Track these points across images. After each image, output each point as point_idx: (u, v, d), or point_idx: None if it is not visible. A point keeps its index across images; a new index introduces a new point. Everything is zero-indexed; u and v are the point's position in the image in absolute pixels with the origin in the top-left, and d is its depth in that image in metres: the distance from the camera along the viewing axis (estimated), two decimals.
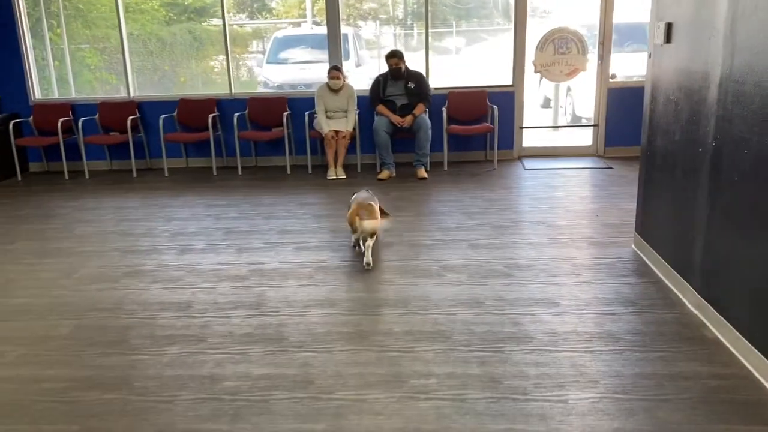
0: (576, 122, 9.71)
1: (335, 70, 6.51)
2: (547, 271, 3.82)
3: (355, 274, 3.90)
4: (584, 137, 7.39)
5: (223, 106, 7.06)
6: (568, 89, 9.55)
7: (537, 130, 7.79)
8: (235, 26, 15.91)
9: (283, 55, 10.93)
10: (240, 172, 6.85)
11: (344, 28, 11.49)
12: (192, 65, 14.75)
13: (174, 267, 4.13)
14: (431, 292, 3.58)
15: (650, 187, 3.92)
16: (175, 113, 7.04)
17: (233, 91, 7.11)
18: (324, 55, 7.12)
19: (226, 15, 6.98)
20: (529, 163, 6.76)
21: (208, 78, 14.52)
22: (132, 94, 7.22)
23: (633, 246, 4.16)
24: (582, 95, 9.11)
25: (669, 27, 3.55)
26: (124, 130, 6.86)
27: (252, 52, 11.41)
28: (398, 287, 3.66)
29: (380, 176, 6.33)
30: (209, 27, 14.26)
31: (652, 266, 3.81)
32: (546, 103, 11.19)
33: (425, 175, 6.32)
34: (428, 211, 5.20)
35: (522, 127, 7.05)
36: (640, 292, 3.48)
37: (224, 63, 14.56)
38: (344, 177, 6.43)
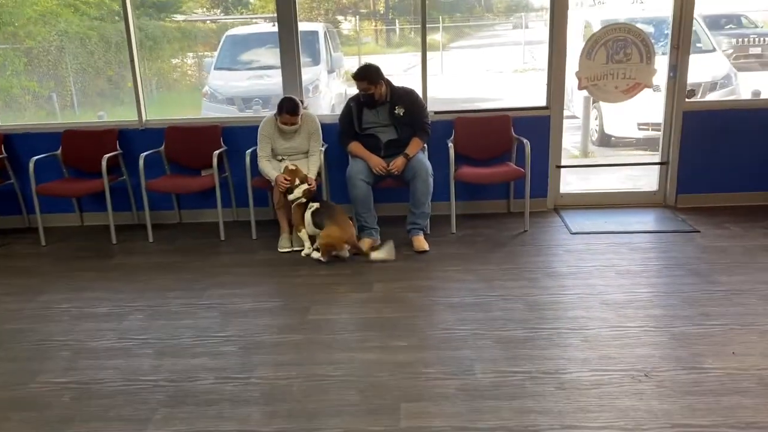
0: (605, 143, 7.70)
1: (288, 114, 4.25)
2: None
3: None
4: (644, 177, 5.31)
5: (130, 139, 4.87)
6: (592, 100, 7.49)
7: (567, 157, 5.71)
8: (198, 23, 13.66)
9: (236, 58, 8.76)
10: (151, 239, 4.66)
11: (313, 25, 9.39)
12: (143, 67, 12.49)
13: None
14: None
15: None
16: (58, 151, 4.83)
17: (144, 119, 4.91)
18: None
19: (129, 8, 4.70)
20: (574, 220, 4.66)
21: (162, 81, 12.30)
22: None
23: None
24: (611, 107, 7.09)
25: None
26: None
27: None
28: None
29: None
30: (166, 24, 12.00)
31: None
32: None
33: (425, 246, 4.19)
34: (436, 335, 3.06)
35: (560, 166, 4.95)
36: None
37: (187, 62, 12.30)
38: (303, 248, 4.29)
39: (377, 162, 4.21)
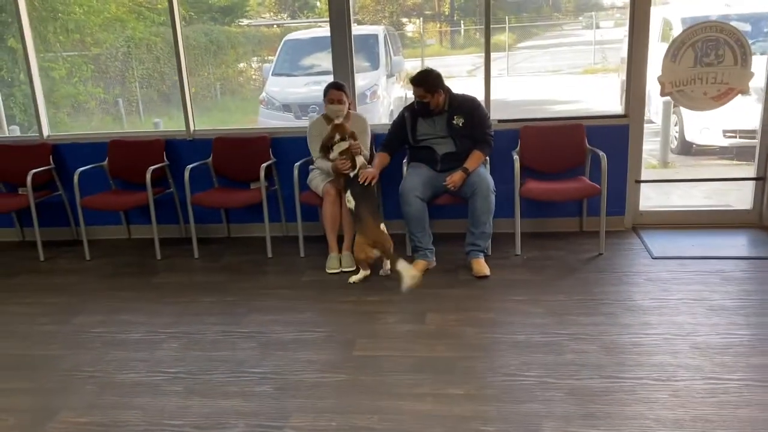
0: (686, 151, 7.08)
1: (335, 89, 4.05)
2: None
3: None
4: (734, 192, 4.74)
5: (178, 150, 4.67)
6: (673, 104, 6.87)
7: (644, 167, 5.19)
8: (262, 27, 13.60)
9: (294, 64, 8.55)
10: (196, 254, 4.44)
11: (373, 28, 9.09)
12: (207, 72, 12.38)
13: None
14: None
15: None
16: (105, 162, 4.69)
17: (192, 129, 4.70)
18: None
19: (177, 14, 4.50)
20: (655, 242, 4.16)
21: (226, 86, 12.26)
22: (46, 134, 4.87)
23: None
24: (693, 112, 6.46)
25: None
26: (36, 186, 4.53)
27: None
28: None
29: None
30: (231, 29, 11.95)
31: None
32: None
33: (486, 271, 3.79)
34: (497, 383, 2.66)
35: (640, 181, 4.45)
36: None
37: (252, 66, 12.20)
38: (353, 268, 3.97)
39: (369, 173, 3.81)
